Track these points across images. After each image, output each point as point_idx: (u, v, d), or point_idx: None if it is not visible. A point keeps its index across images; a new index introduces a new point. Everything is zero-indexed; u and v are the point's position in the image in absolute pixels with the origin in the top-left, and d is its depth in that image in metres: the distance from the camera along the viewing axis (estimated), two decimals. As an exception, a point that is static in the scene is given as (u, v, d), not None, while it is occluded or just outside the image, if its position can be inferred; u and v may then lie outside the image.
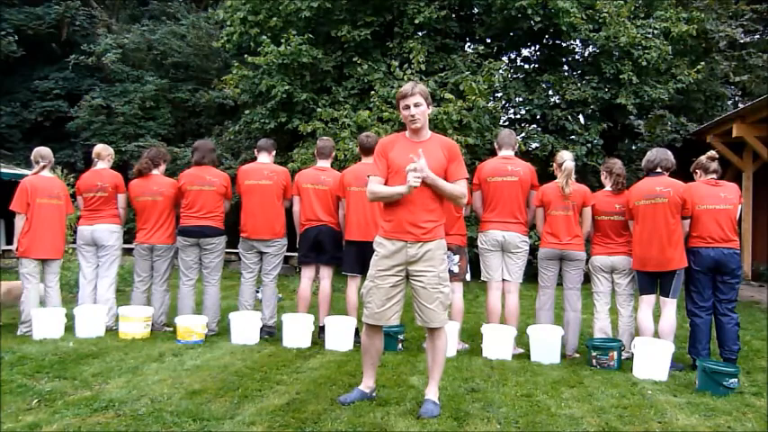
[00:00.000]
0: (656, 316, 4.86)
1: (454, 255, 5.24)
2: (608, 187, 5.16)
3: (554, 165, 5.28)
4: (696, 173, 5.01)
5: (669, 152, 4.95)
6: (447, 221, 5.07)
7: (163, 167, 5.84)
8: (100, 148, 5.97)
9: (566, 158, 5.15)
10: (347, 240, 5.34)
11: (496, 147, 5.41)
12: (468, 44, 11.99)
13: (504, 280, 5.21)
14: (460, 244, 5.29)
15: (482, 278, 5.28)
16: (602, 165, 5.38)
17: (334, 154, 5.86)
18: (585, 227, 5.13)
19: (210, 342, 5.19)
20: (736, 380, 4.10)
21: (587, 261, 5.18)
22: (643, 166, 4.98)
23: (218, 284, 5.69)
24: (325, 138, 6.08)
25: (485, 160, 5.53)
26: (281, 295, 7.20)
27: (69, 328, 5.34)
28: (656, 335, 4.78)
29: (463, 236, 5.34)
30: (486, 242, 5.19)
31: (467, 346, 5.27)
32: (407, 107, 3.61)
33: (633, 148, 11.48)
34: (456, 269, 5.24)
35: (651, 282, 4.86)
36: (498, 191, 5.15)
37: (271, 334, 5.46)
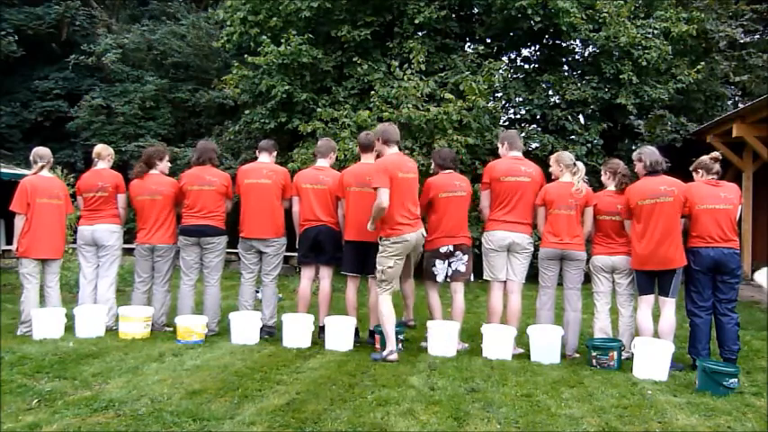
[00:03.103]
0: (656, 316, 4.86)
1: (464, 255, 5.25)
2: (611, 187, 5.16)
3: (554, 164, 5.26)
4: (698, 172, 5.00)
5: None
6: (459, 222, 5.21)
7: (163, 165, 5.79)
8: (100, 148, 5.97)
9: (572, 159, 5.24)
10: (347, 240, 5.33)
11: (506, 147, 5.34)
12: (468, 44, 11.98)
13: (507, 279, 5.22)
14: (468, 244, 5.32)
15: (485, 278, 5.27)
16: (605, 165, 5.34)
17: (334, 155, 5.85)
18: (587, 227, 5.13)
19: (210, 342, 5.20)
20: (736, 380, 4.10)
21: (588, 261, 5.18)
22: (647, 166, 4.90)
23: (219, 284, 5.69)
24: (325, 138, 6.09)
25: (485, 160, 5.54)
26: (281, 295, 7.19)
27: (69, 328, 5.34)
28: (656, 335, 4.78)
29: (469, 236, 5.37)
30: (492, 242, 5.16)
31: (467, 345, 5.27)
32: None
33: (633, 148, 11.42)
34: (463, 269, 5.26)
35: (651, 281, 4.85)
36: (511, 191, 5.14)
37: (271, 334, 5.46)
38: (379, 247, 4.79)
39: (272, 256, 5.64)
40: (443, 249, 5.22)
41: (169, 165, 5.90)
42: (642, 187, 4.84)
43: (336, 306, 6.22)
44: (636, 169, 5.00)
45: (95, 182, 5.72)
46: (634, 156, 5.03)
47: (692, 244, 4.78)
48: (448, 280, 5.31)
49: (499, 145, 5.45)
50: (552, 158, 5.35)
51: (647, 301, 4.88)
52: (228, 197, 5.72)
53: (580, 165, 5.18)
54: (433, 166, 5.53)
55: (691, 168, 5.09)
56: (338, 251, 5.47)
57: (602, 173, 5.30)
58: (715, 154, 5.01)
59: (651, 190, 4.77)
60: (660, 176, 4.82)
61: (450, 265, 5.26)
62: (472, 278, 5.48)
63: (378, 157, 5.06)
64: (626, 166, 5.25)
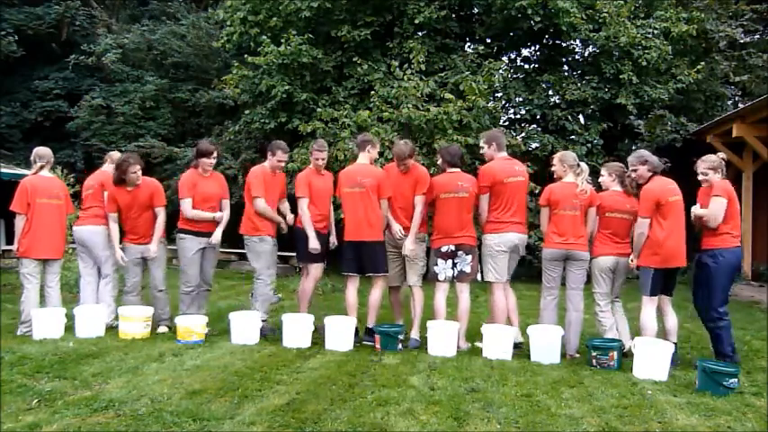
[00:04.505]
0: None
1: (467, 255, 5.25)
2: (615, 188, 5.13)
3: (558, 164, 5.21)
4: (718, 171, 4.86)
5: None
6: (460, 222, 5.22)
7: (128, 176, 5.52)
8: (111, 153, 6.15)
9: (576, 159, 5.25)
10: (346, 241, 5.39)
11: (494, 148, 5.32)
12: (468, 44, 11.99)
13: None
14: (471, 244, 5.31)
15: (490, 279, 5.23)
16: (609, 168, 5.25)
17: (320, 152, 5.70)
18: (590, 226, 5.12)
19: (210, 342, 5.20)
20: (736, 380, 4.10)
21: (590, 261, 5.18)
22: (655, 167, 4.87)
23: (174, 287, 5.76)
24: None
25: (485, 161, 5.51)
26: (279, 295, 7.21)
27: (69, 328, 5.34)
28: (659, 335, 4.80)
29: (474, 236, 5.36)
30: (502, 244, 5.16)
31: (470, 345, 5.26)
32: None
33: (633, 148, 11.46)
34: (468, 269, 5.26)
35: (663, 281, 4.84)
36: (513, 192, 5.18)
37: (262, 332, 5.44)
38: (424, 245, 5.41)
39: (248, 254, 5.74)
40: (444, 249, 5.23)
41: (135, 175, 5.48)
42: (665, 185, 4.82)
43: (337, 306, 6.24)
44: (639, 172, 4.88)
45: (89, 182, 5.83)
46: (635, 160, 4.92)
47: (731, 244, 4.73)
48: (454, 280, 5.30)
49: (485, 145, 5.36)
50: (556, 158, 5.31)
51: (654, 301, 4.83)
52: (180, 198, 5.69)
53: (584, 165, 5.19)
54: (440, 162, 5.42)
55: (708, 168, 4.83)
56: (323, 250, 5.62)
57: (607, 174, 5.20)
58: (722, 155, 5.02)
59: (672, 188, 4.82)
60: (663, 176, 4.87)
61: (455, 265, 5.26)
62: (479, 277, 5.46)
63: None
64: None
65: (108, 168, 5.89)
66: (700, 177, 4.86)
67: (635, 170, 4.93)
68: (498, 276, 5.21)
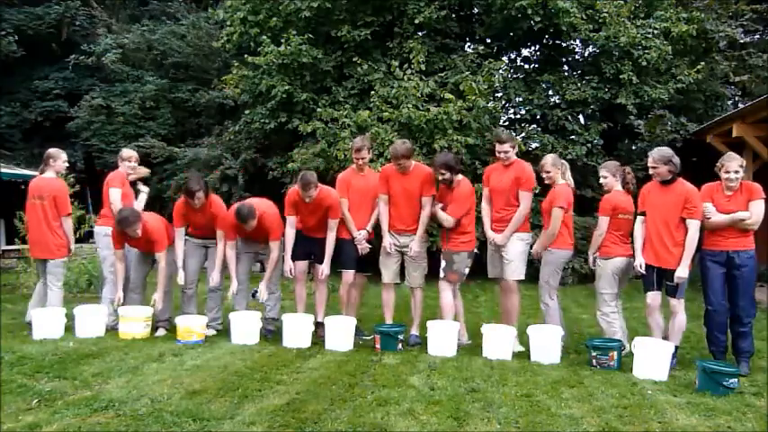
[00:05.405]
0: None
1: (468, 258, 5.27)
2: (618, 188, 5.13)
3: (552, 168, 5.19)
4: None
5: None
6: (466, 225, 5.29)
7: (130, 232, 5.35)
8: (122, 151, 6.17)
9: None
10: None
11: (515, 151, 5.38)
12: (468, 44, 11.96)
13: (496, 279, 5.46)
14: None
15: (520, 278, 5.25)
16: (611, 168, 5.19)
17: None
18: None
19: (210, 342, 5.20)
20: (736, 380, 4.11)
21: (592, 261, 5.22)
22: (677, 169, 4.75)
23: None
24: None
25: (485, 160, 5.56)
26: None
27: (69, 328, 5.35)
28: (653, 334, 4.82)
29: None
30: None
31: (470, 342, 5.26)
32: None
33: (633, 148, 11.47)
34: (466, 271, 5.33)
35: None
36: None
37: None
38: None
39: None
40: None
41: (135, 233, 5.33)
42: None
43: (335, 306, 6.23)
44: (659, 170, 4.72)
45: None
46: (660, 158, 4.71)
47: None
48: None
49: (510, 149, 5.22)
50: (549, 162, 5.21)
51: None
52: None
53: (565, 163, 5.36)
54: (447, 176, 5.16)
55: (741, 165, 4.67)
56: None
57: (610, 175, 5.13)
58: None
59: None
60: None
61: None
62: (514, 276, 5.45)
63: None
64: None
65: (122, 168, 5.89)
66: (733, 176, 4.60)
67: (655, 167, 4.72)
68: (523, 276, 5.28)
